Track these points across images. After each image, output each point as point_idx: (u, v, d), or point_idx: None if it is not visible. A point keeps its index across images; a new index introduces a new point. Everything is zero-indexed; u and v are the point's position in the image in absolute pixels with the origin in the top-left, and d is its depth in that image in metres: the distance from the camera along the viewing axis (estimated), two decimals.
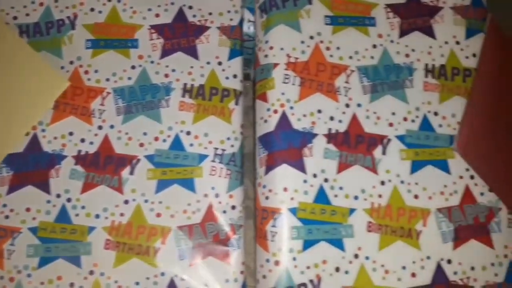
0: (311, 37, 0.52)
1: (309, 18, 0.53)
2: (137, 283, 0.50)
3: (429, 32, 0.55)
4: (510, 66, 0.54)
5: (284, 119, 0.50)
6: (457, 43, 0.54)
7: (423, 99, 0.52)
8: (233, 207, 0.52)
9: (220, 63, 0.55)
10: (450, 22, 0.55)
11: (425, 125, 0.51)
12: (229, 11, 0.57)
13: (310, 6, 0.53)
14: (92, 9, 0.57)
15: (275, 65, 0.52)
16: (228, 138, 0.53)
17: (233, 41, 0.56)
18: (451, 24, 0.55)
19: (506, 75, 0.53)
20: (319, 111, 0.51)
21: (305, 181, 0.49)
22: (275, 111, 0.50)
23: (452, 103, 0.52)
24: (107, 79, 0.55)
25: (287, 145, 0.49)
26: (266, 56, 0.52)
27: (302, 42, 0.52)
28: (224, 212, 0.52)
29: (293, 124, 0.50)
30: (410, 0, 0.55)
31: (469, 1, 0.55)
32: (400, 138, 0.51)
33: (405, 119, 0.51)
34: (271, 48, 0.52)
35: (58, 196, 0.51)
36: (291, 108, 0.50)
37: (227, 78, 0.55)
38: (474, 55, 0.54)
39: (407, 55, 0.53)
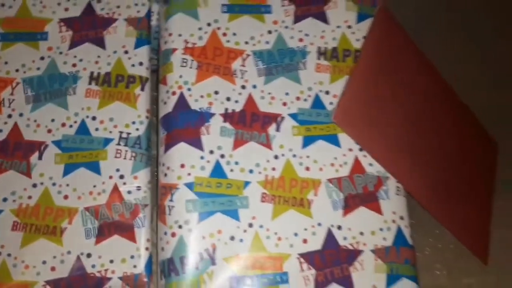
0: (209, 24, 0.55)
1: (207, 7, 0.55)
2: (44, 262, 0.50)
3: (322, 17, 0.57)
4: (393, 44, 0.57)
5: (182, 100, 0.52)
6: (349, 27, 0.57)
7: (315, 80, 0.54)
8: (138, 188, 0.53)
9: (126, 52, 0.57)
10: (343, 7, 0.57)
11: (317, 103, 0.54)
12: (136, 4, 0.59)
13: None
14: (2, 4, 0.58)
15: (173, 50, 0.54)
16: (133, 122, 0.55)
17: (139, 31, 0.58)
18: (343, 10, 0.57)
19: (389, 53, 0.56)
20: (216, 92, 0.52)
21: (202, 158, 0.50)
22: (173, 93, 0.52)
23: (343, 82, 0.55)
24: (17, 70, 0.56)
25: (185, 124, 0.51)
26: (165, 42, 0.55)
27: (200, 28, 0.54)
28: (129, 192, 0.53)
29: (191, 104, 0.52)
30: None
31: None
32: (293, 116, 0.53)
33: (297, 98, 0.54)
34: (170, 35, 0.54)
35: None
36: (189, 90, 0.52)
37: (133, 65, 0.57)
38: (364, 38, 0.56)
39: (301, 40, 0.56)
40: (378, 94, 0.53)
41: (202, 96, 0.52)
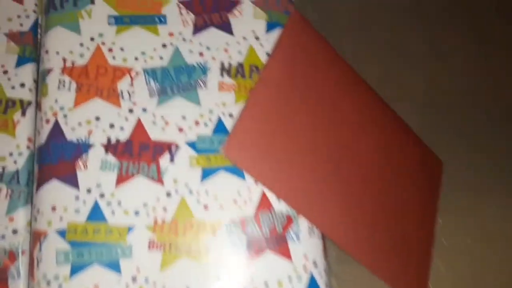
0: (92, 39, 0.46)
1: (90, 19, 0.46)
2: None
3: (226, 27, 0.48)
4: (304, 58, 0.48)
5: (56, 129, 0.43)
6: (257, 38, 0.48)
7: (218, 100, 0.45)
8: (14, 231, 0.44)
9: (5, 72, 0.48)
10: (250, 15, 0.48)
11: (220, 128, 0.45)
12: (19, 16, 0.49)
13: (91, 6, 0.47)
14: None
15: (49, 70, 0.44)
16: (11, 154, 0.46)
17: (22, 47, 0.48)
18: (250, 18, 0.48)
19: (299, 69, 0.47)
20: (97, 119, 0.44)
21: (77, 198, 0.41)
22: (47, 121, 0.43)
23: None
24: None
25: (58, 158, 0.42)
26: (42, 60, 0.45)
27: (81, 44, 0.46)
28: (3, 237, 0.44)
29: (67, 134, 0.43)
30: None
31: None
32: (191, 144, 0.44)
33: (196, 123, 0.45)
34: (46, 52, 0.45)
35: None
36: (65, 116, 0.44)
37: (13, 87, 0.47)
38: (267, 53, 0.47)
39: (201, 54, 0.47)
40: (282, 120, 0.45)
41: (80, 124, 0.44)
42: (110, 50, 0.46)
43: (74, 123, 0.44)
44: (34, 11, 0.51)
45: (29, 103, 0.49)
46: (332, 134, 0.46)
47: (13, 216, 0.45)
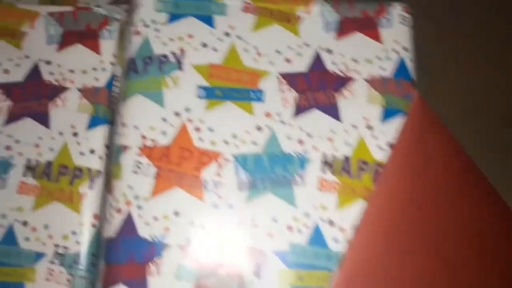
0: (177, 114, 0.39)
1: (177, 88, 0.39)
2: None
3: (332, 111, 0.40)
4: (437, 161, 0.39)
5: (128, 222, 0.37)
6: (369, 127, 0.40)
7: (316, 202, 0.38)
8: None
9: (75, 134, 0.42)
10: (363, 98, 0.40)
11: (316, 238, 0.38)
12: (94, 69, 0.43)
13: (179, 72, 0.39)
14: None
15: (125, 148, 0.38)
16: (74, 233, 0.40)
17: (96, 106, 0.43)
18: (363, 101, 0.40)
19: (429, 177, 0.38)
20: (176, 214, 0.37)
21: None
22: (119, 210, 0.37)
23: (355, 209, 0.38)
24: None
25: (127, 258, 0.36)
26: (117, 133, 0.39)
27: (164, 119, 0.39)
28: None
29: (139, 229, 0.36)
30: (313, 67, 0.41)
31: (391, 72, 0.40)
32: (281, 254, 0.37)
33: (289, 228, 0.37)
34: (123, 125, 0.38)
35: None
36: (139, 207, 0.37)
37: (81, 153, 0.42)
38: (390, 145, 0.39)
39: (300, 142, 0.39)
40: (406, 248, 0.36)
41: (156, 219, 0.37)
42: (198, 129, 0.39)
43: (149, 217, 0.37)
44: (112, 63, 0.45)
45: (98, 173, 0.43)
46: (462, 256, 0.37)
47: None
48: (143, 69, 0.40)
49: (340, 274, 0.36)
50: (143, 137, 0.39)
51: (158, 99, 0.40)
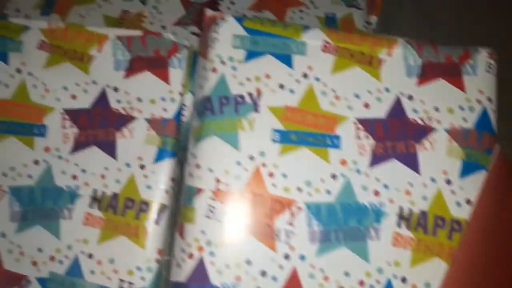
0: (251, 158, 0.38)
1: (252, 131, 0.38)
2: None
3: (411, 162, 0.39)
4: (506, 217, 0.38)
5: (200, 269, 0.37)
6: (448, 182, 0.38)
7: (390, 258, 0.37)
8: None
9: (142, 167, 0.41)
10: (443, 151, 0.39)
11: None
12: (163, 99, 0.43)
13: (255, 114, 0.38)
14: None
15: (199, 190, 0.37)
16: (139, 268, 0.40)
17: (163, 138, 0.42)
18: (443, 154, 0.39)
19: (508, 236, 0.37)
20: (248, 262, 0.37)
21: None
22: (190, 256, 0.37)
23: (429, 267, 0.38)
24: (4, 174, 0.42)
25: None
26: (191, 175, 0.38)
27: (239, 163, 0.38)
28: None
29: (211, 277, 0.36)
30: (393, 114, 0.39)
31: (473, 123, 0.39)
32: None
33: (361, 283, 0.37)
34: (197, 166, 0.38)
35: None
36: (212, 254, 0.37)
37: (148, 187, 0.41)
38: (468, 202, 0.38)
39: (376, 193, 0.38)
40: None
41: (228, 266, 0.37)
42: (271, 174, 0.39)
43: (222, 265, 0.37)
44: (180, 94, 0.44)
45: (164, 207, 0.42)
46: None
47: None
48: (219, 110, 0.39)
49: None
50: (217, 180, 0.39)
51: (233, 141, 0.39)
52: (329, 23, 0.52)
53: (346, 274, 0.38)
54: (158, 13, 0.52)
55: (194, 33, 0.50)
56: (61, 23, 0.45)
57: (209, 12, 0.42)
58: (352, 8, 0.54)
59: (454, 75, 0.41)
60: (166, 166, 0.44)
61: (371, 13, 0.58)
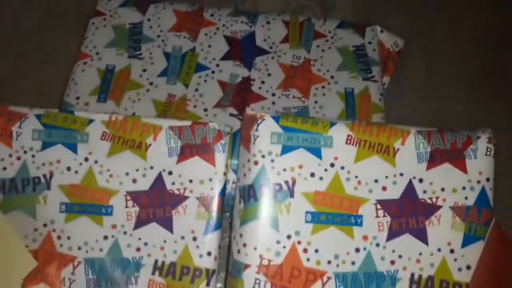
0: (289, 237, 0.47)
1: (289, 214, 0.47)
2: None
3: (421, 235, 0.48)
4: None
5: None
6: (451, 251, 0.47)
7: None
8: None
9: (195, 239, 0.51)
10: (447, 225, 0.48)
11: None
12: (210, 179, 0.52)
13: (291, 199, 0.48)
14: (68, 168, 0.52)
15: (246, 266, 0.47)
16: None
17: (210, 213, 0.51)
18: (447, 228, 0.48)
19: None
20: None
21: None
22: None
23: None
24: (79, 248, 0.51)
25: None
26: (238, 252, 0.48)
27: (278, 242, 0.47)
28: None
29: None
30: (406, 195, 0.48)
31: (473, 201, 0.48)
32: None
33: None
34: (244, 245, 0.47)
35: None
36: None
37: (200, 256, 0.51)
38: (468, 267, 0.47)
39: (392, 262, 0.47)
40: None
41: None
42: (305, 250, 0.48)
43: None
44: (224, 174, 0.53)
45: (213, 272, 0.52)
46: None
47: None
48: (260, 196, 0.49)
49: None
50: (261, 257, 0.48)
51: (274, 224, 0.49)
52: (348, 97, 0.61)
53: None
54: (199, 95, 0.61)
55: (232, 114, 0.60)
56: (120, 116, 0.55)
57: (249, 111, 0.51)
58: (369, 81, 0.63)
59: (457, 159, 0.50)
60: (214, 237, 0.53)
61: (385, 75, 0.67)
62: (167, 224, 0.53)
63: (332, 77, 0.63)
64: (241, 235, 0.50)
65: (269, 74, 0.64)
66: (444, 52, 0.75)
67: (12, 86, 0.71)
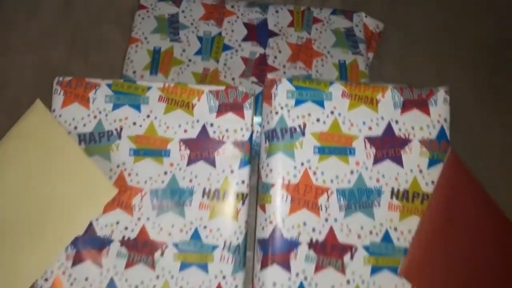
0: (302, 164, 0.68)
1: (301, 149, 0.69)
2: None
3: (398, 160, 0.69)
4: (461, 191, 0.68)
5: (277, 229, 0.67)
6: (420, 171, 0.69)
7: (387, 217, 0.67)
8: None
9: (232, 172, 0.71)
10: (417, 153, 0.69)
11: (387, 238, 0.67)
12: (241, 129, 0.72)
13: (303, 138, 0.68)
14: (134, 123, 0.73)
15: (273, 185, 0.68)
16: (235, 233, 0.70)
17: (243, 153, 0.72)
18: (417, 155, 0.69)
19: (457, 200, 0.68)
20: (304, 224, 0.67)
21: (289, 279, 0.66)
22: (271, 222, 0.67)
23: (410, 221, 0.69)
24: (145, 182, 0.72)
25: (279, 250, 0.66)
26: (266, 176, 0.69)
27: (295, 167, 0.68)
28: None
29: (284, 233, 0.66)
30: (386, 133, 0.69)
31: (435, 136, 0.69)
32: (366, 248, 0.67)
33: (370, 232, 0.67)
34: (270, 171, 0.68)
35: None
36: (283, 221, 0.67)
37: (237, 183, 0.71)
38: (432, 182, 0.68)
39: (377, 180, 0.68)
40: (445, 245, 0.67)
41: (293, 227, 0.67)
42: (314, 173, 0.69)
43: (289, 227, 0.68)
44: (251, 125, 0.74)
45: (247, 195, 0.73)
46: (482, 255, 0.68)
47: (236, 276, 0.71)
48: (281, 136, 0.70)
49: (405, 261, 0.67)
50: (283, 178, 0.69)
51: (291, 155, 0.70)
52: (341, 67, 0.83)
53: (361, 228, 0.69)
54: (228, 68, 0.82)
55: (253, 82, 0.81)
56: (171, 83, 0.75)
57: (269, 76, 0.72)
58: (357, 55, 0.84)
59: (423, 106, 0.72)
60: (246, 171, 0.74)
61: (369, 51, 0.88)
62: (211, 162, 0.74)
63: (328, 52, 0.85)
64: (267, 164, 0.71)
65: (280, 51, 0.85)
66: (418, 31, 0.97)
67: (81, 64, 0.93)
